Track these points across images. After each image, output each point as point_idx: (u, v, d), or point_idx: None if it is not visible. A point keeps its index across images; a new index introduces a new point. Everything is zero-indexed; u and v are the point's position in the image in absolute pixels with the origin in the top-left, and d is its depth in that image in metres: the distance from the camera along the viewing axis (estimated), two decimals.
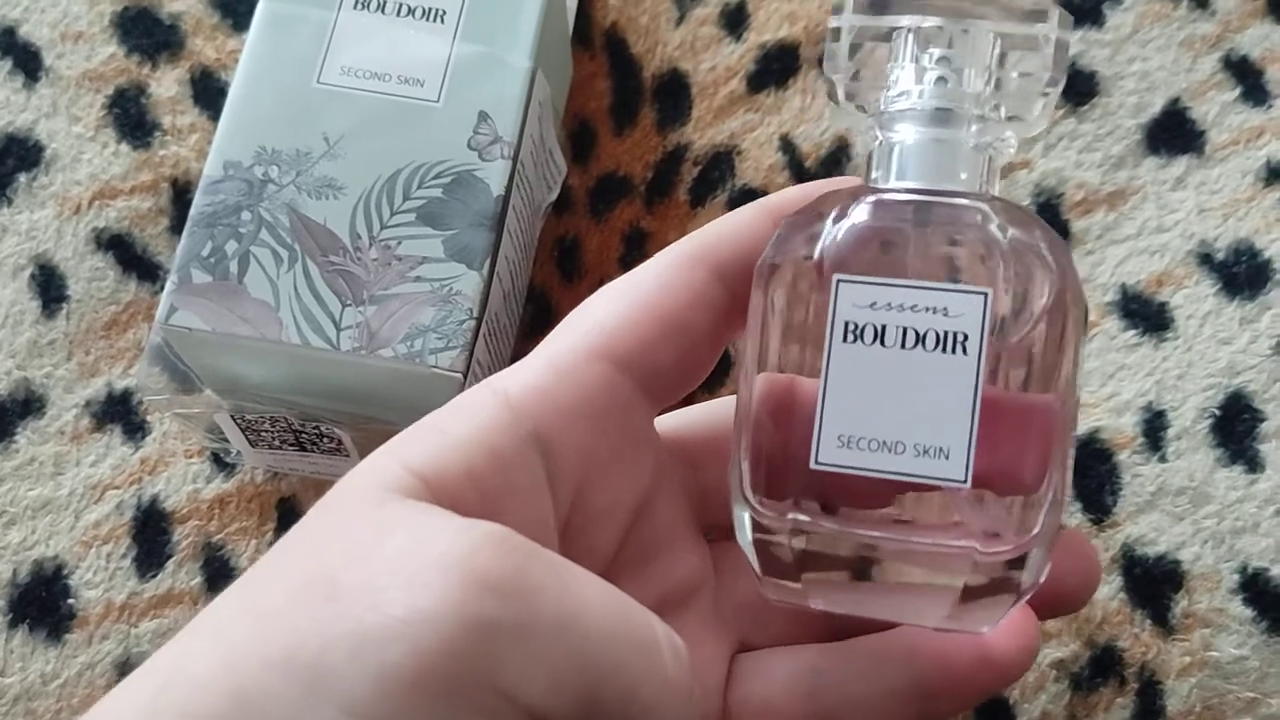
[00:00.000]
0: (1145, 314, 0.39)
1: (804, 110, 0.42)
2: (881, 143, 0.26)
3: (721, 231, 0.27)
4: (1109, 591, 0.36)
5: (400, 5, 0.36)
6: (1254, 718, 0.35)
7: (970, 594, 0.24)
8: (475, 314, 0.33)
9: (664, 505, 0.28)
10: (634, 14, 0.43)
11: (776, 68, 0.42)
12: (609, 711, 0.21)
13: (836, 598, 0.25)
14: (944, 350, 0.23)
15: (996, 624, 0.25)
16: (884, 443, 0.23)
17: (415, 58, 0.35)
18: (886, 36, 0.26)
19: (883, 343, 0.24)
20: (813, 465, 0.24)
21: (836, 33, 0.26)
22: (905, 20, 0.26)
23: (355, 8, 0.36)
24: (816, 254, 0.24)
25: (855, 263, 0.24)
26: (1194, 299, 0.39)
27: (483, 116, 0.35)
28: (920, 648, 0.26)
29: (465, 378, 0.32)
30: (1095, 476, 0.38)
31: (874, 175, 0.26)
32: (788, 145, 0.41)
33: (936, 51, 0.26)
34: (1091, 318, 0.39)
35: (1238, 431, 0.38)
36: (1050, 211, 0.40)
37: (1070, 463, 0.25)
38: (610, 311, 0.26)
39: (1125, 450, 0.38)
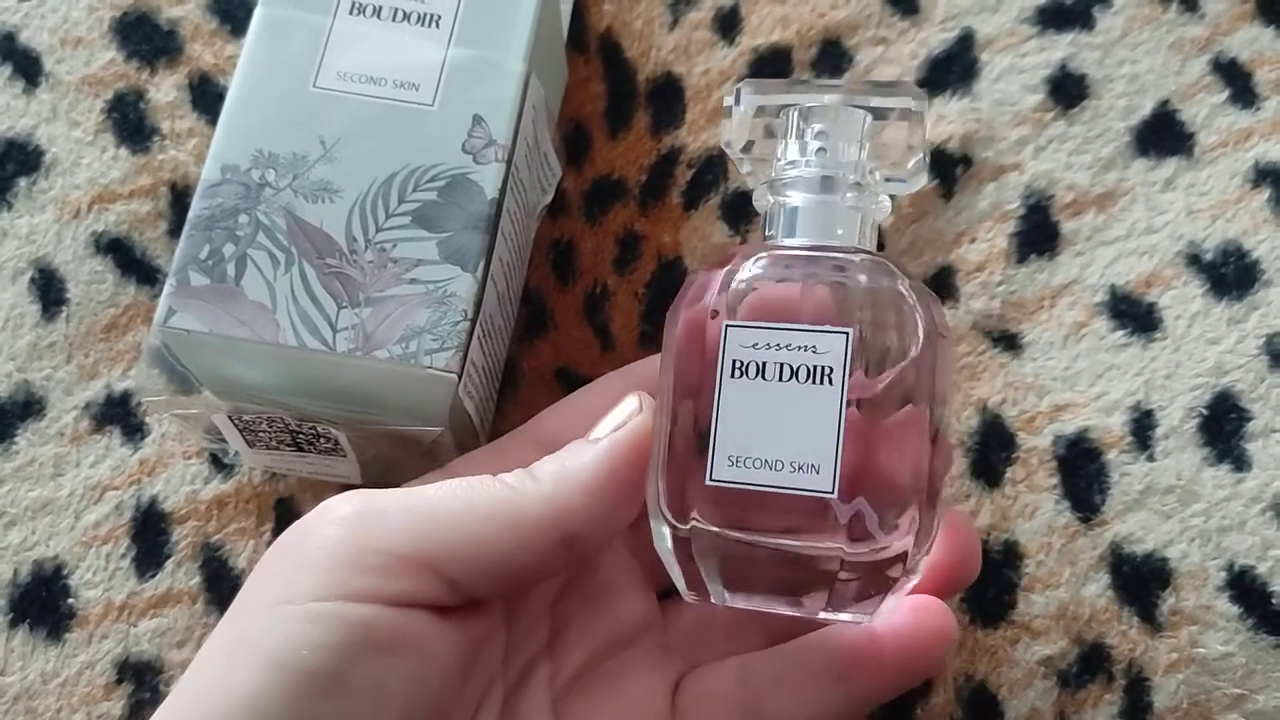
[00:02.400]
0: (1134, 314, 0.39)
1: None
2: (773, 205, 0.31)
3: (649, 361, 0.33)
4: (1097, 589, 0.37)
5: (395, 10, 0.36)
6: (1241, 714, 0.36)
7: (845, 588, 0.28)
8: (470, 315, 0.33)
9: (608, 562, 0.33)
10: (628, 18, 0.43)
11: (769, 71, 0.42)
12: (467, 555, 0.28)
13: (737, 596, 0.29)
14: (814, 382, 0.28)
15: (875, 613, 0.29)
16: (766, 461, 0.28)
17: (410, 62, 0.36)
18: (776, 114, 0.32)
19: (764, 377, 0.28)
20: (706, 481, 0.28)
21: (729, 111, 0.32)
22: (791, 100, 0.31)
23: (351, 13, 0.36)
24: (712, 303, 0.29)
25: (743, 310, 0.29)
26: (1182, 299, 0.40)
27: (477, 120, 0.35)
28: (832, 636, 0.31)
29: (460, 378, 0.33)
30: (1084, 475, 0.38)
31: (768, 233, 0.31)
32: None
33: (817, 127, 0.31)
34: (1081, 318, 0.39)
35: (1225, 431, 0.38)
36: (1040, 213, 0.41)
37: (947, 468, 0.30)
38: (546, 411, 0.34)
39: (1113, 449, 0.38)
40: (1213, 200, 0.41)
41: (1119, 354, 0.39)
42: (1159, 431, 0.38)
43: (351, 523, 0.28)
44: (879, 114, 0.31)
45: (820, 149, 0.31)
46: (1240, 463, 0.38)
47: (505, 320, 0.38)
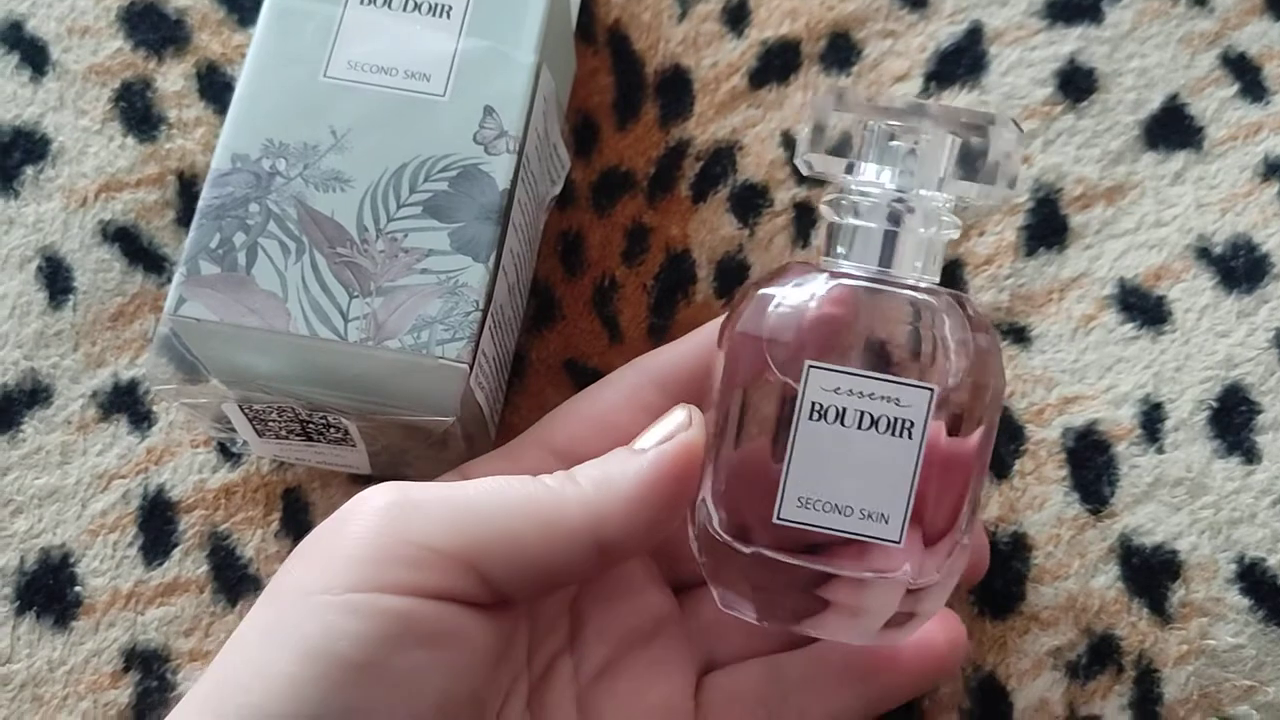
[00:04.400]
0: (1144, 307, 0.39)
1: (805, 106, 0.42)
2: (844, 225, 0.30)
3: (665, 352, 0.34)
4: (1106, 581, 0.37)
5: (406, 0, 0.36)
6: (1251, 705, 0.36)
7: (893, 618, 0.29)
8: (481, 306, 0.33)
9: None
10: (636, 10, 0.43)
11: (778, 64, 0.42)
12: (505, 554, 0.28)
13: (781, 616, 0.30)
14: (893, 434, 0.28)
15: (906, 639, 0.30)
16: (836, 505, 0.28)
17: (421, 52, 0.36)
18: (859, 125, 0.30)
19: (842, 423, 0.28)
20: (775, 520, 0.28)
21: (818, 124, 0.30)
22: (874, 118, 0.30)
23: (362, 3, 0.36)
24: (781, 334, 0.29)
25: (818, 346, 0.29)
26: (1192, 292, 0.40)
27: (488, 111, 0.35)
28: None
29: (471, 369, 0.33)
30: (1093, 468, 0.38)
31: (837, 250, 0.30)
32: (789, 141, 0.42)
33: (900, 148, 0.30)
34: (1090, 311, 0.39)
35: (1235, 423, 0.38)
36: (1049, 206, 0.41)
37: (978, 505, 0.30)
38: (557, 411, 0.33)
39: (1123, 441, 0.38)
40: (1222, 194, 0.41)
41: (1128, 347, 0.39)
42: (1169, 424, 0.38)
43: (389, 514, 0.28)
44: (969, 136, 0.30)
45: (904, 171, 0.30)
46: (1250, 455, 0.38)
47: (515, 311, 0.38)
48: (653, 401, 0.32)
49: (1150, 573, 0.37)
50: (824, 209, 0.31)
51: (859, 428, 0.28)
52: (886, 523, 0.28)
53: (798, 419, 0.28)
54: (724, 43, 0.43)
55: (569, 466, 0.30)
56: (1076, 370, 0.39)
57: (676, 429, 0.30)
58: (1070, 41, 0.42)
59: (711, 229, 0.41)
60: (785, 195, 0.41)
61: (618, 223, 0.41)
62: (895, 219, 0.30)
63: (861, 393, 0.28)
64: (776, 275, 0.30)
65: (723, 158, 0.41)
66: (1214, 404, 0.38)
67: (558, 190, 0.40)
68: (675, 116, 0.42)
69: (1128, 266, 0.40)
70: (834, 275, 0.29)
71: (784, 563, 0.29)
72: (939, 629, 0.32)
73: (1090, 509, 0.38)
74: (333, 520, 0.29)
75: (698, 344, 0.33)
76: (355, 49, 0.36)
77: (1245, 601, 0.37)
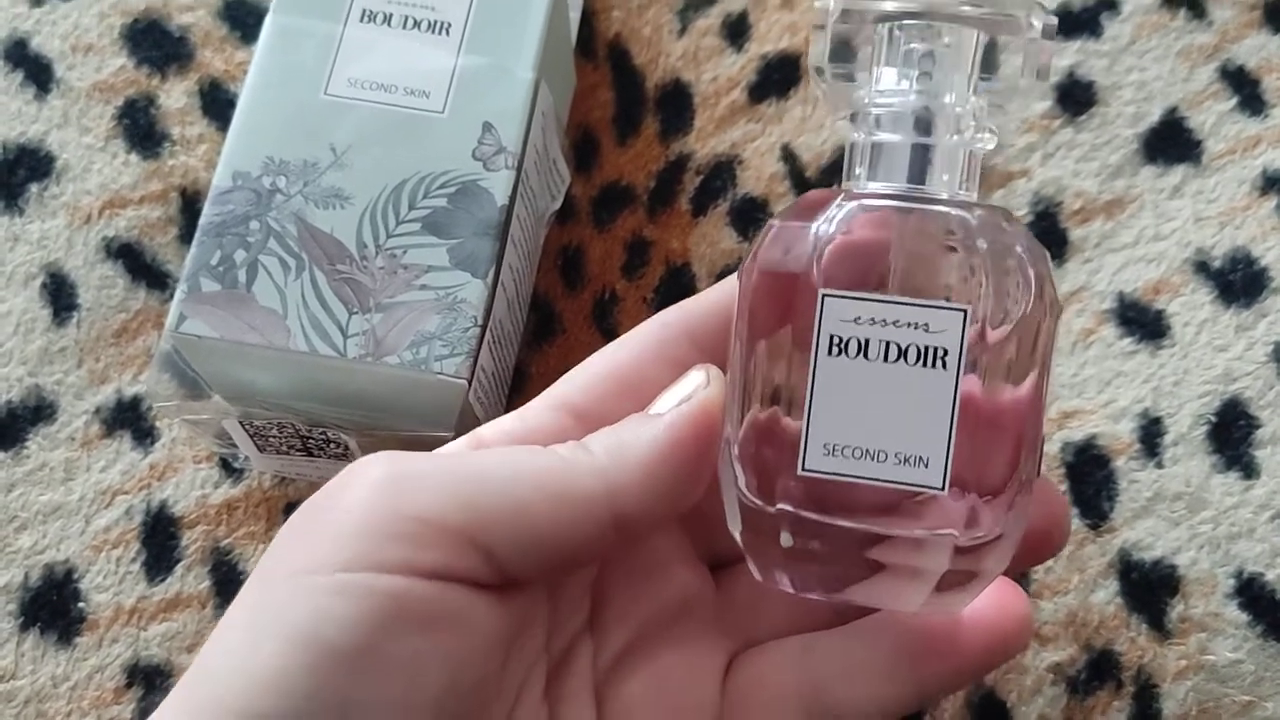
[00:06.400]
0: (1142, 321, 0.39)
1: (805, 120, 0.42)
2: (863, 142, 0.27)
3: (695, 301, 0.30)
4: (1106, 596, 0.37)
5: (406, 18, 0.37)
6: None
7: (946, 579, 0.25)
8: (480, 321, 0.33)
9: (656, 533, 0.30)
10: (636, 25, 0.43)
11: (777, 78, 0.43)
12: (511, 529, 0.25)
13: (822, 584, 0.26)
14: (924, 365, 0.25)
15: (966, 606, 0.26)
16: (867, 451, 0.25)
17: (421, 70, 0.36)
18: (872, 29, 0.27)
19: (866, 356, 0.25)
20: (799, 471, 0.25)
21: (820, 27, 0.27)
22: (890, 6, 0.26)
23: (362, 20, 0.37)
24: (801, 266, 0.25)
25: (840, 276, 0.25)
26: (1191, 306, 0.40)
27: (487, 127, 0.35)
28: (907, 616, 0.28)
29: (470, 384, 0.33)
30: (1092, 482, 0.38)
31: (856, 172, 0.27)
32: (789, 155, 0.42)
33: (920, 49, 0.26)
34: (1089, 325, 0.40)
35: (1234, 438, 0.38)
36: (1048, 220, 0.41)
37: (1041, 447, 0.26)
38: (577, 369, 0.29)
39: (1122, 456, 0.38)
40: (1221, 207, 0.41)
41: (1127, 361, 0.39)
42: (1167, 438, 0.38)
43: (385, 486, 0.25)
44: (996, 28, 0.26)
45: (923, 74, 0.26)
46: (1249, 470, 0.38)
47: (514, 326, 0.38)
48: (682, 356, 0.29)
49: (1149, 588, 0.37)
50: (842, 126, 0.27)
51: (885, 360, 0.25)
52: (927, 466, 0.25)
53: (815, 355, 0.25)
54: (724, 57, 0.43)
55: (590, 429, 0.27)
56: (1076, 385, 0.39)
57: (695, 389, 0.27)
58: (1069, 55, 0.42)
59: (712, 243, 0.41)
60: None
61: (618, 237, 0.41)
62: (922, 128, 0.26)
63: (885, 320, 0.25)
64: (795, 205, 0.27)
65: (723, 172, 0.42)
66: (1213, 418, 0.38)
67: (557, 205, 0.40)
68: (675, 131, 0.42)
69: (1127, 280, 0.40)
70: (855, 197, 0.26)
71: (822, 523, 0.25)
72: (1001, 602, 0.28)
73: (1090, 524, 0.38)
74: (324, 493, 0.26)
75: (729, 293, 0.29)
76: (355, 66, 0.36)
77: (1244, 616, 0.36)
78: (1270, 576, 0.37)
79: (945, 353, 0.25)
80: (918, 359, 0.25)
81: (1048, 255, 0.26)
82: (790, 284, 0.25)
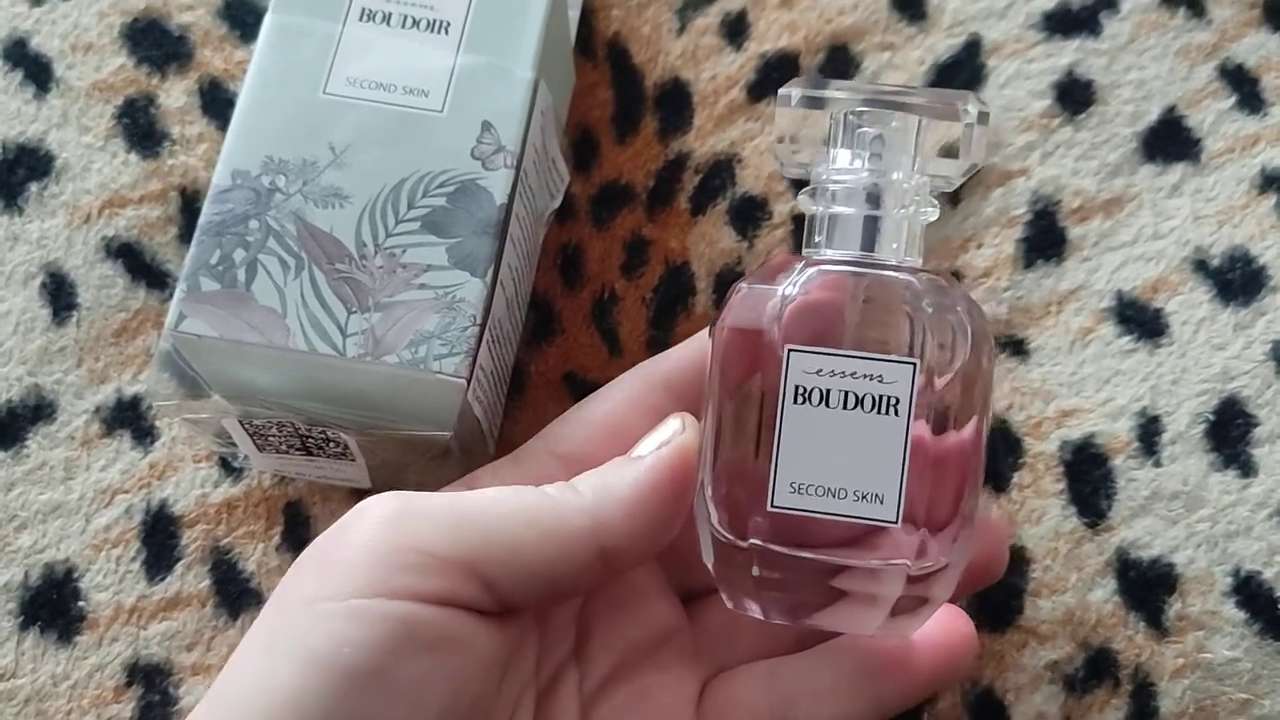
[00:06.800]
0: (1141, 320, 0.40)
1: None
2: (821, 213, 0.30)
3: (671, 355, 0.33)
4: (1103, 594, 0.37)
5: (405, 17, 0.37)
6: (1247, 718, 0.36)
7: (900, 604, 0.29)
8: (478, 320, 0.34)
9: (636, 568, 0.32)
10: (636, 24, 0.43)
11: (777, 77, 0.43)
12: (506, 560, 0.28)
13: (789, 611, 0.30)
14: (879, 412, 0.28)
15: (918, 629, 0.30)
16: (829, 489, 0.28)
17: (420, 69, 0.36)
18: (826, 113, 0.31)
19: (827, 404, 0.28)
20: (768, 508, 0.28)
21: (784, 103, 0.31)
22: (844, 95, 0.30)
23: (361, 20, 0.37)
24: (766, 324, 0.29)
25: (803, 333, 0.28)
26: (1189, 305, 0.40)
27: (486, 126, 0.35)
28: (864, 640, 0.32)
29: (469, 383, 0.33)
30: (1090, 481, 0.38)
31: (815, 240, 0.30)
32: None
33: (871, 132, 0.30)
34: (1087, 324, 0.40)
35: (1231, 436, 0.38)
36: (1047, 219, 0.41)
37: (980, 485, 0.30)
38: (564, 416, 0.33)
39: (1120, 455, 0.38)
40: (1219, 206, 0.41)
41: (1126, 359, 0.39)
42: (1165, 437, 0.38)
43: (391, 522, 0.28)
44: (937, 115, 0.30)
45: (875, 155, 0.30)
46: (1247, 468, 0.38)
47: (514, 325, 0.38)
48: (659, 405, 0.32)
49: (1147, 586, 0.37)
50: (801, 200, 0.31)
51: (845, 408, 0.28)
52: (882, 503, 0.28)
53: (782, 403, 0.28)
54: (723, 56, 0.43)
55: (575, 472, 0.30)
56: (1074, 383, 0.39)
57: (672, 435, 0.30)
58: (1068, 54, 0.42)
59: (710, 242, 0.41)
60: (784, 208, 0.41)
61: (617, 236, 0.41)
62: (873, 202, 0.30)
63: (844, 372, 0.28)
64: (761, 269, 0.30)
65: (722, 170, 0.42)
66: (1211, 417, 0.38)
67: (557, 204, 0.40)
68: (674, 130, 0.42)
69: (1125, 279, 0.40)
70: (814, 263, 0.30)
71: (789, 556, 0.28)
72: (949, 626, 0.32)
73: (1087, 522, 0.38)
74: (333, 530, 0.29)
75: (702, 346, 0.33)
76: (354, 65, 0.36)
77: (1241, 615, 0.37)
78: (1268, 575, 0.37)
79: (897, 401, 0.28)
80: (873, 406, 0.28)
81: (984, 312, 0.30)
82: (757, 339, 0.29)
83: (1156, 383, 0.39)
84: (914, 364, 0.28)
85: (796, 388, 0.28)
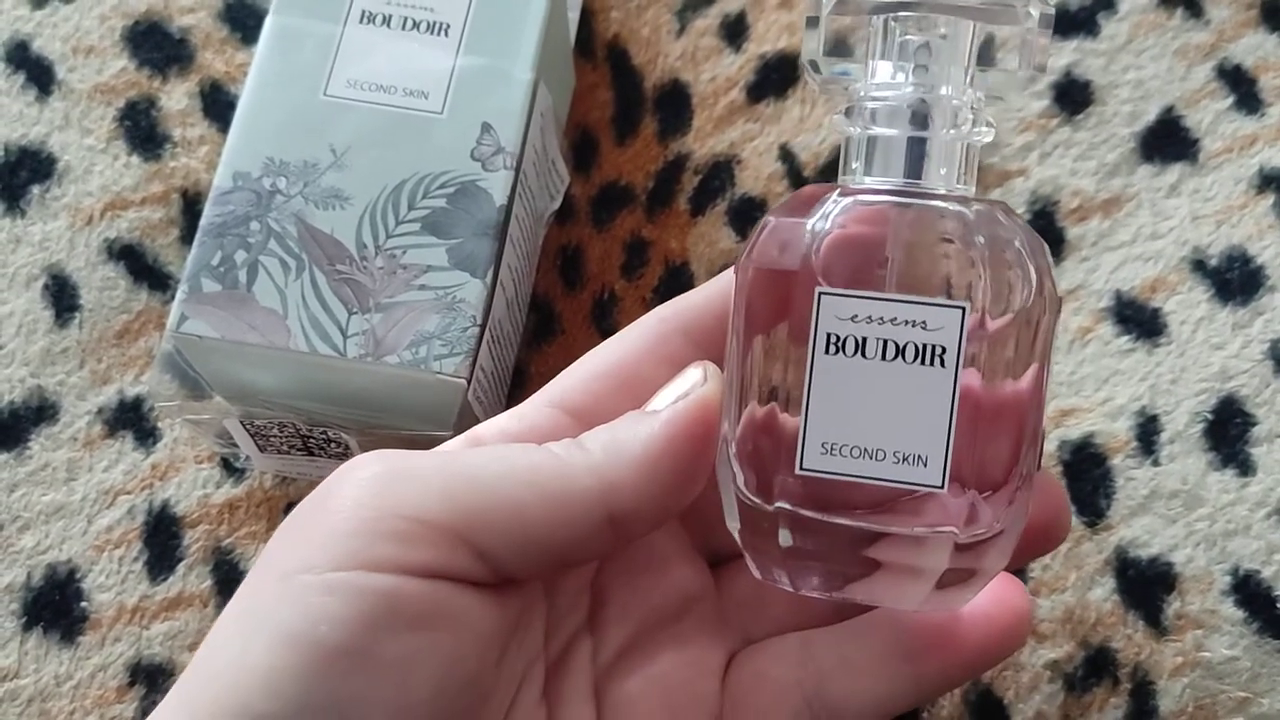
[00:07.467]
0: (1139, 320, 0.40)
1: (803, 120, 0.42)
2: (858, 136, 0.26)
3: (691, 297, 0.29)
4: (1102, 593, 0.37)
5: (405, 19, 0.37)
6: (1246, 717, 0.36)
7: (947, 576, 0.25)
8: (479, 321, 0.34)
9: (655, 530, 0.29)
10: (635, 25, 0.43)
11: (776, 78, 0.43)
12: (504, 527, 0.25)
13: (821, 582, 0.26)
14: (923, 362, 0.24)
15: (967, 602, 0.26)
16: (865, 450, 0.25)
17: (420, 70, 0.36)
18: (866, 23, 0.26)
19: (864, 354, 0.24)
20: (797, 471, 0.25)
21: (814, 20, 0.27)
22: (884, 5, 0.26)
23: (361, 22, 0.37)
24: (795, 263, 0.25)
25: (836, 272, 0.25)
26: (1187, 305, 0.40)
27: (486, 128, 0.36)
28: (906, 612, 0.28)
29: (469, 384, 0.33)
30: (1089, 480, 0.38)
31: (852, 167, 0.26)
32: (787, 154, 0.42)
33: (916, 41, 0.26)
34: (1086, 323, 0.40)
35: (1230, 435, 0.38)
36: (1046, 219, 0.41)
37: (1041, 441, 0.26)
38: (573, 367, 0.29)
39: (1119, 454, 0.38)
40: (1217, 206, 0.41)
41: (1124, 359, 0.39)
42: (1164, 436, 0.38)
43: (377, 484, 0.25)
44: (992, 19, 0.26)
45: (920, 67, 0.26)
46: (1245, 467, 0.38)
47: (514, 326, 0.38)
48: (678, 353, 0.28)
49: (1146, 585, 0.37)
50: (836, 120, 0.27)
51: (883, 358, 0.24)
52: (925, 465, 0.24)
53: (812, 354, 0.25)
54: (722, 57, 0.43)
55: (585, 428, 0.27)
56: (1073, 383, 0.39)
57: (691, 386, 0.27)
58: (1066, 54, 0.42)
59: (710, 242, 0.41)
60: None
61: (617, 237, 0.41)
62: (919, 121, 0.26)
63: (882, 318, 0.24)
64: (791, 200, 0.26)
65: (721, 171, 0.42)
66: (1209, 416, 0.38)
67: (556, 205, 0.40)
68: (674, 131, 0.42)
69: (1124, 279, 0.40)
70: (851, 193, 0.26)
71: (821, 521, 0.25)
72: (1000, 597, 0.28)
73: (1087, 521, 0.38)
74: (316, 493, 0.26)
75: (726, 287, 0.29)
76: (354, 67, 0.36)
77: (1240, 613, 0.37)
78: (1266, 574, 0.37)
79: (944, 350, 0.24)
80: (916, 357, 0.24)
81: (1048, 249, 0.26)
82: (786, 280, 0.25)
83: (1155, 382, 0.39)
84: (963, 308, 0.24)
85: (829, 336, 0.25)
